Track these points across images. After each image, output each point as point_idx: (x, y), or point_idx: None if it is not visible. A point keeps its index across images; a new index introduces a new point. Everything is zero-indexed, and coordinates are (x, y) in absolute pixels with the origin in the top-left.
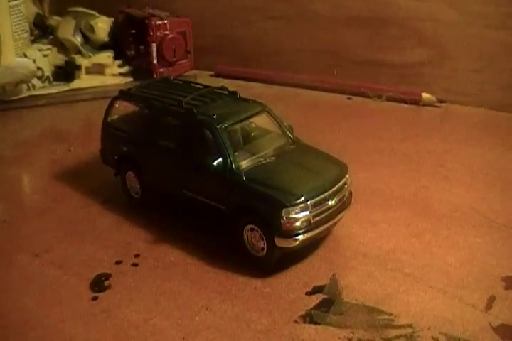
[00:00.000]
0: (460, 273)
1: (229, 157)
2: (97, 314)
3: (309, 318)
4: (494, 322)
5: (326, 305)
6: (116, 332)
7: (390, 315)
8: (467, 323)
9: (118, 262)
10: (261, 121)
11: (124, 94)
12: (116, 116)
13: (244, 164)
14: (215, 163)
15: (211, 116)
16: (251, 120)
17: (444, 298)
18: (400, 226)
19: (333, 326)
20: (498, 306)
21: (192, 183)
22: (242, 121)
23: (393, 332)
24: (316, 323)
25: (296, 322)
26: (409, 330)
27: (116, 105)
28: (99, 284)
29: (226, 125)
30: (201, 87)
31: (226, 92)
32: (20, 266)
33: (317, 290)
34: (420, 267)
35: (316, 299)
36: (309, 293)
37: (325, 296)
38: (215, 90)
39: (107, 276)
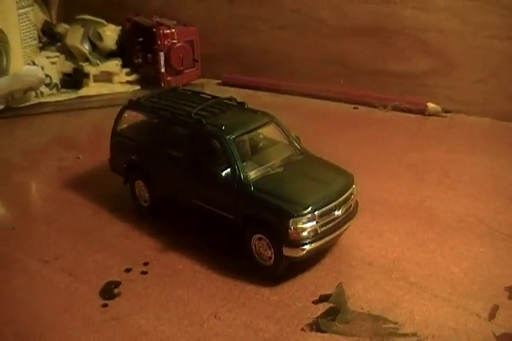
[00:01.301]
0: (464, 283)
1: (237, 167)
2: (107, 321)
3: (316, 326)
4: (498, 331)
5: (332, 314)
6: (125, 340)
7: (395, 323)
8: (471, 332)
9: (127, 270)
10: (269, 131)
11: (133, 104)
12: (125, 125)
13: (253, 174)
14: (223, 173)
15: (220, 127)
16: (259, 131)
17: (448, 307)
18: (405, 236)
19: (340, 334)
20: (502, 315)
21: (200, 193)
22: (250, 131)
23: None
24: (322, 331)
25: (303, 330)
26: (413, 339)
27: (126, 114)
28: (108, 292)
29: (235, 136)
30: (210, 97)
31: (234, 103)
32: (29, 273)
33: (324, 298)
34: (425, 276)
35: (323, 307)
36: (316, 302)
37: (331, 305)
38: (224, 101)
39: (117, 284)
